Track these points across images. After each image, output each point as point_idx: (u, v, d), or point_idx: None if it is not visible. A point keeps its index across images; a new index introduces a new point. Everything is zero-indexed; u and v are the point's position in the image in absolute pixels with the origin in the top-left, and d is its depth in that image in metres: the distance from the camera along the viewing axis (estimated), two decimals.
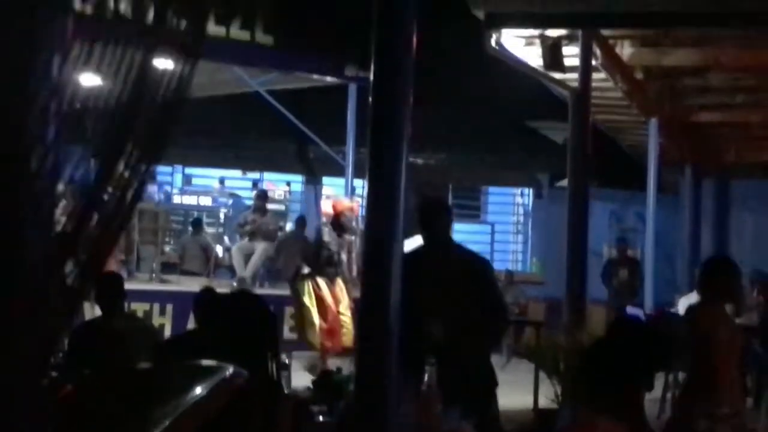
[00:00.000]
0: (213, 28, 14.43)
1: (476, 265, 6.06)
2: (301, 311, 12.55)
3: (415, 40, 4.67)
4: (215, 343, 4.28)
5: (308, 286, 12.48)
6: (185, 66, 2.49)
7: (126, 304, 11.40)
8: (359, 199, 20.57)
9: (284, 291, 14.75)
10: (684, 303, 13.14)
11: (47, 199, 2.35)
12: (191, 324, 10.34)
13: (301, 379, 7.79)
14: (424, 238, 5.91)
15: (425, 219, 5.90)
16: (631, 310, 11.67)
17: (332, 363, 11.39)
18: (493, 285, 6.22)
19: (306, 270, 12.86)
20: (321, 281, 12.54)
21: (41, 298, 2.37)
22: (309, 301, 12.38)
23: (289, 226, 19.26)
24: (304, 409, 5.65)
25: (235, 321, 4.31)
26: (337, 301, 12.48)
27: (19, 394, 2.27)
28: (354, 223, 13.47)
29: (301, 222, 18.24)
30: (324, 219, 13.50)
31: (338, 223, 12.92)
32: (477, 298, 5.76)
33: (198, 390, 3.38)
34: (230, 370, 3.50)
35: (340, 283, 12.73)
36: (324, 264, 12.67)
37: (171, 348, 6.56)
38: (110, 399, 3.39)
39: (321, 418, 5.73)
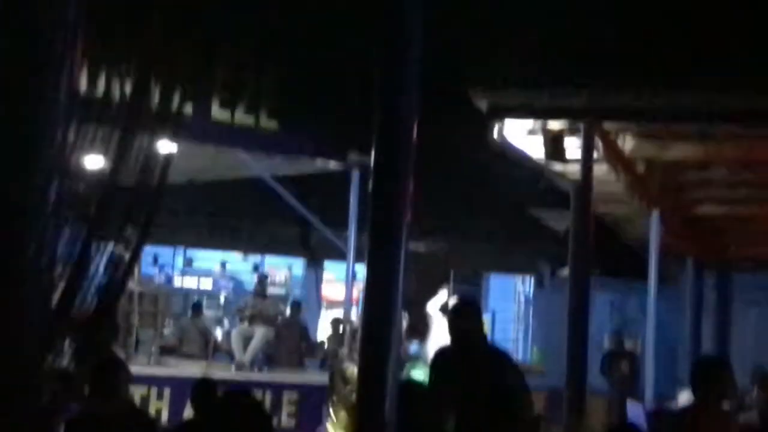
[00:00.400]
0: (218, 112, 14.53)
1: (499, 366, 6.19)
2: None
3: (416, 127, 4.71)
4: None
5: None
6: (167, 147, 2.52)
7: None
8: (360, 284, 20.56)
9: (283, 376, 14.69)
10: (686, 396, 13.04)
11: (46, 276, 2.34)
12: (188, 410, 10.26)
13: None
14: (452, 337, 6.11)
15: (455, 319, 6.21)
16: (631, 404, 11.56)
17: None
18: (513, 382, 6.31)
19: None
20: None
21: (35, 376, 2.35)
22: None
23: (289, 311, 19.23)
24: None
25: (231, 423, 4.27)
26: None
27: None
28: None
29: (296, 307, 18.23)
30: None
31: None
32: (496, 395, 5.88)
33: None
34: None
35: None
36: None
37: None
38: None
39: None
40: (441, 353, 6.48)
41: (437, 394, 5.95)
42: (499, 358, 6.41)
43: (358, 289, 20.36)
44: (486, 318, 23.20)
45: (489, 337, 21.68)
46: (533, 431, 6.63)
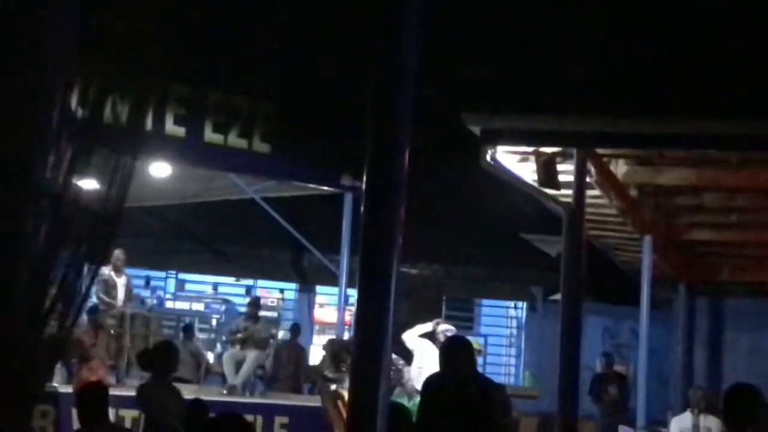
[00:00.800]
0: (211, 135, 14.55)
1: (487, 398, 6.35)
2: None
3: (407, 154, 4.72)
4: None
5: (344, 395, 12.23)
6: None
7: (114, 411, 11.35)
8: (352, 308, 20.56)
9: (274, 399, 14.64)
10: (676, 423, 13.08)
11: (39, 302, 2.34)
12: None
13: None
14: (443, 370, 6.44)
15: (446, 354, 6.54)
16: (622, 430, 11.53)
17: None
18: (499, 415, 6.46)
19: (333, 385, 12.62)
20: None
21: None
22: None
23: (281, 334, 19.20)
24: None
25: None
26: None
27: None
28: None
29: (295, 329, 18.21)
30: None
31: (336, 360, 12.66)
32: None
33: None
34: None
35: None
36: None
37: None
38: None
39: None
40: (431, 383, 6.67)
41: (427, 423, 6.18)
42: (489, 392, 6.59)
43: (351, 313, 20.35)
44: (478, 342, 23.23)
45: (481, 362, 21.75)
46: None
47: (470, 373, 6.53)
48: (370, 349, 4.69)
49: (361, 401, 4.68)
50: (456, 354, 6.62)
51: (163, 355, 8.89)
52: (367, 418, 4.60)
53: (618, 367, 17.81)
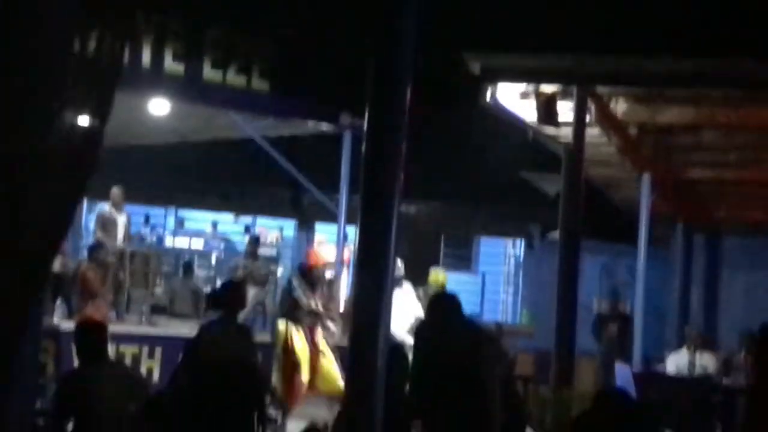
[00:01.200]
0: (209, 73, 14.49)
1: (471, 343, 6.46)
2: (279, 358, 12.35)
3: (409, 90, 4.72)
4: (202, 401, 4.25)
5: (283, 328, 12.28)
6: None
7: (115, 347, 11.43)
8: (351, 246, 20.62)
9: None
10: (673, 359, 13.19)
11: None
12: None
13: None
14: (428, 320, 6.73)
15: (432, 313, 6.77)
16: (619, 366, 11.63)
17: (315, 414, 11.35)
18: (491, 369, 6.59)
19: (281, 319, 12.66)
20: (293, 329, 12.28)
21: None
22: (280, 348, 12.22)
23: (280, 272, 19.25)
24: None
25: (224, 382, 4.29)
26: (316, 349, 12.22)
27: None
28: (328, 275, 13.27)
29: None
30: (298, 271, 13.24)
31: (310, 276, 12.64)
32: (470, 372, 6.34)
33: None
34: None
35: (319, 331, 12.51)
36: (294, 311, 12.41)
37: (157, 407, 6.51)
38: None
39: None
40: (422, 335, 6.79)
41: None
42: (481, 350, 6.69)
43: (349, 251, 20.40)
44: (476, 279, 23.33)
45: (478, 300, 21.85)
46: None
47: (459, 331, 6.58)
48: (372, 285, 4.73)
49: (362, 338, 4.74)
50: (442, 312, 6.68)
51: (234, 294, 8.84)
52: (369, 352, 4.66)
53: (621, 307, 17.69)
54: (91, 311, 12.45)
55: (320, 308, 12.40)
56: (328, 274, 13.51)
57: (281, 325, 12.26)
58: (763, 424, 6.07)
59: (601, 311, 17.69)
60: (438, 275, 13.65)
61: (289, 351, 12.01)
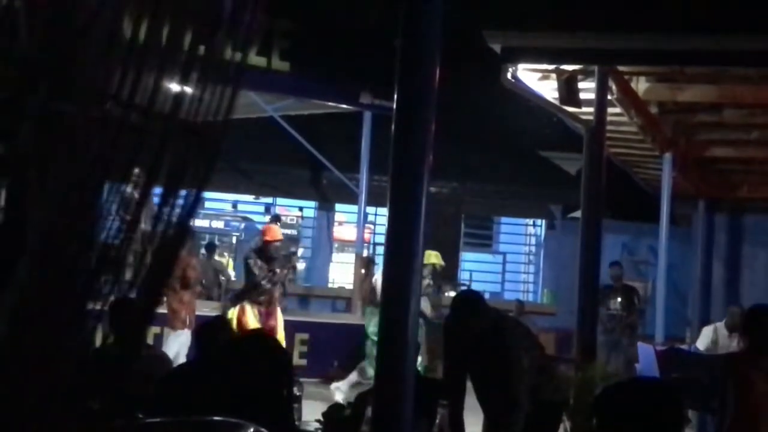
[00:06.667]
0: (230, 53, 14.50)
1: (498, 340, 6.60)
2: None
3: (438, 71, 4.73)
4: (227, 381, 4.26)
5: (233, 312, 12.32)
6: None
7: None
8: (371, 226, 20.65)
9: (294, 317, 14.79)
10: (707, 334, 12.79)
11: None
12: None
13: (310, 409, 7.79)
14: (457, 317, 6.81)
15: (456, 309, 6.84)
16: (642, 346, 11.58)
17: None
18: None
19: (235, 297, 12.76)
20: (248, 308, 12.31)
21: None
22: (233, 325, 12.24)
23: (301, 252, 19.29)
24: None
25: (251, 362, 4.30)
26: (270, 328, 12.19)
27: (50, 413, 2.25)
28: (282, 253, 13.28)
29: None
30: (253, 245, 13.35)
31: (267, 251, 12.65)
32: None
33: None
34: (251, 430, 3.36)
35: (276, 310, 12.55)
36: (251, 291, 12.43)
37: (179, 382, 6.49)
38: None
39: None
40: (450, 329, 6.97)
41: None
42: (500, 325, 6.83)
43: (370, 231, 20.39)
44: (497, 259, 23.34)
45: (499, 279, 21.84)
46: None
47: (481, 329, 6.69)
48: (401, 264, 4.74)
49: (392, 317, 4.75)
50: (465, 311, 6.78)
51: None
52: (399, 330, 4.68)
53: (636, 283, 17.31)
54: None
55: (275, 279, 12.45)
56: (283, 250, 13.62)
57: (230, 312, 12.27)
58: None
59: (605, 283, 16.67)
60: (430, 256, 14.04)
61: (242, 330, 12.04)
